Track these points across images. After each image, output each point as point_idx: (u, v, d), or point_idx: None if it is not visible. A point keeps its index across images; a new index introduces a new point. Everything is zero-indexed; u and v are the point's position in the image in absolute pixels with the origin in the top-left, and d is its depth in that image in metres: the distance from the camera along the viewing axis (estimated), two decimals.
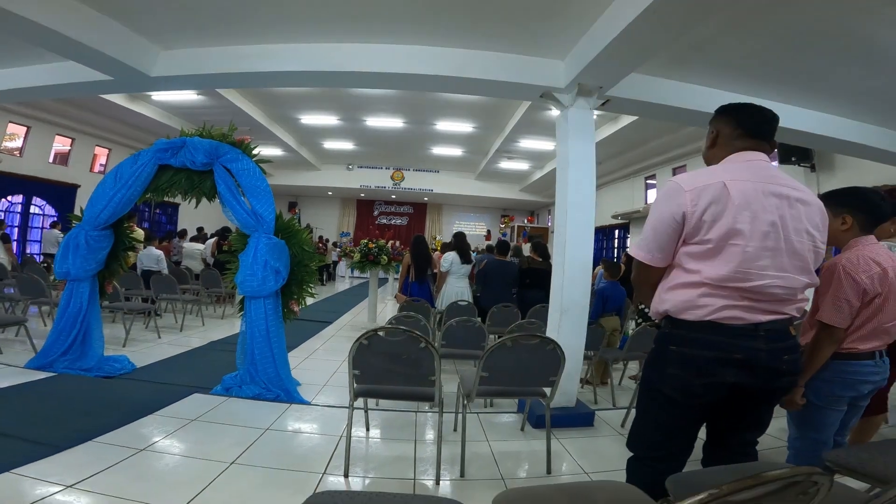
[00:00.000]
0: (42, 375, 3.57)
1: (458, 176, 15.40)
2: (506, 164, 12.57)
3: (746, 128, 1.50)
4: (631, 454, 1.57)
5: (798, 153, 6.39)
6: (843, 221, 1.85)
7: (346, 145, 12.50)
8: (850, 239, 1.85)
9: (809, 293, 1.56)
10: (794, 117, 4.26)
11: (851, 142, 4.63)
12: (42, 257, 8.69)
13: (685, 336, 1.41)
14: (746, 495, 0.79)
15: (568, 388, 3.27)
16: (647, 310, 4.32)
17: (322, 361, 4.79)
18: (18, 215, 9.81)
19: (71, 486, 2.01)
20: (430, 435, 2.97)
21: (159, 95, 8.57)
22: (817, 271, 1.49)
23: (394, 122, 10.12)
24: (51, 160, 10.04)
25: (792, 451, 1.88)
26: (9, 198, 9.50)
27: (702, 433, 1.54)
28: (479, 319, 3.89)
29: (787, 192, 1.39)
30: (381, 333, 2.35)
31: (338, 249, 15.29)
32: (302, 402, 3.44)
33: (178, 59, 4.06)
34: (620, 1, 2.83)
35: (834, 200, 1.88)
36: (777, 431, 2.80)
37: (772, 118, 1.52)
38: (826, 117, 4.45)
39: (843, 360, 1.77)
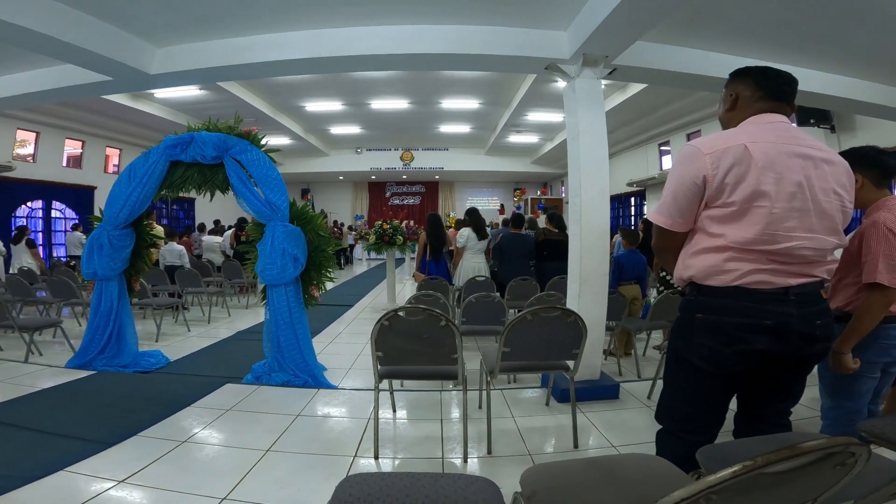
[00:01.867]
0: (82, 374, 3.73)
1: (467, 152, 15.25)
2: (515, 138, 12.39)
3: (767, 90, 1.45)
4: (660, 427, 1.57)
5: (816, 115, 6.23)
6: (855, 181, 1.81)
7: (354, 129, 12.43)
8: (866, 196, 1.83)
9: (838, 255, 1.52)
10: (808, 80, 4.13)
11: (870, 103, 4.48)
12: (68, 259, 8.93)
13: (712, 303, 1.39)
14: (782, 467, 0.79)
15: (591, 361, 3.27)
16: (668, 277, 4.27)
17: (346, 345, 4.88)
18: (41, 220, 10.06)
19: (123, 482, 2.11)
20: (456, 413, 3.02)
21: (162, 93, 8.56)
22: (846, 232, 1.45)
23: (399, 104, 10.02)
24: (64, 164, 10.21)
25: (827, 422, 1.86)
26: (29, 204, 9.73)
27: (733, 404, 1.53)
28: (497, 294, 3.89)
29: (811, 153, 1.35)
30: (401, 314, 2.36)
31: (353, 233, 15.38)
32: (329, 386, 3.52)
33: (175, 56, 4.05)
34: None
35: (846, 160, 1.84)
36: (809, 401, 2.75)
37: (791, 80, 1.48)
38: (842, 79, 4.31)
39: (879, 324, 1.73)
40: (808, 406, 2.76)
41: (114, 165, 11.41)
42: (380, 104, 10.03)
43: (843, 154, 1.84)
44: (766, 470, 0.78)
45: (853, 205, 1.44)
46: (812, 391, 2.01)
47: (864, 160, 1.83)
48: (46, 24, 3.24)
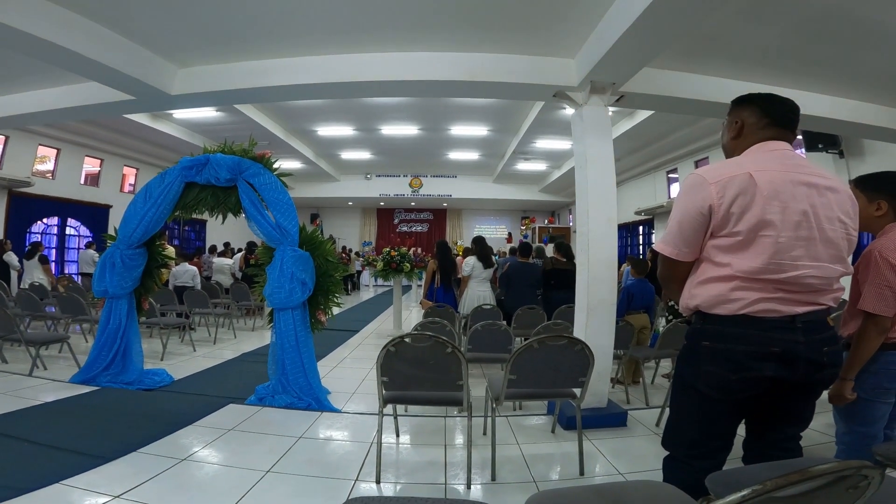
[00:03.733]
0: (86, 389, 3.73)
1: (475, 180, 15.41)
2: (523, 166, 12.52)
3: (773, 117, 1.47)
4: (667, 453, 1.54)
5: (825, 140, 6.21)
6: (878, 207, 1.81)
7: (364, 155, 12.64)
8: (880, 223, 1.81)
9: (845, 282, 1.52)
10: (814, 104, 4.15)
11: (877, 126, 4.48)
12: (80, 277, 9.04)
13: (718, 331, 1.38)
14: (792, 491, 0.77)
15: (598, 389, 3.22)
16: (677, 306, 4.24)
17: (350, 370, 4.84)
18: (55, 237, 10.24)
19: (118, 497, 2.09)
20: (460, 439, 2.97)
21: (180, 113, 8.79)
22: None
23: (408, 130, 10.18)
24: (82, 182, 10.43)
25: (841, 447, 1.82)
26: (45, 220, 9.92)
27: (741, 430, 1.51)
28: (504, 323, 3.88)
29: (815, 181, 1.36)
30: (407, 340, 2.36)
31: (361, 259, 15.44)
32: (332, 410, 3.48)
33: (195, 77, 4.19)
34: None
35: (870, 185, 1.84)
36: (824, 427, 2.71)
37: (795, 108, 1.50)
38: (848, 102, 4.33)
39: (889, 350, 1.71)
40: (823, 432, 2.71)
41: (129, 185, 11.67)
42: (390, 130, 10.19)
43: (873, 178, 1.84)
44: (777, 494, 0.77)
45: (857, 232, 1.44)
46: (826, 417, 1.97)
47: (893, 187, 1.81)
48: (73, 40, 3.36)
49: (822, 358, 1.35)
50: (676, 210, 1.45)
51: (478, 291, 5.43)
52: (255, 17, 3.43)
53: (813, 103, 4.13)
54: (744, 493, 0.77)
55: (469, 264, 5.51)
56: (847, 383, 1.70)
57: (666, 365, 4.65)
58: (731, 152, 1.56)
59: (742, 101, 1.54)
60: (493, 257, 5.93)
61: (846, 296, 1.80)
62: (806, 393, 1.43)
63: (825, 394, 1.66)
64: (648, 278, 4.66)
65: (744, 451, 1.57)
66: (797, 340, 1.32)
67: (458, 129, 10.09)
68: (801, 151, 6.36)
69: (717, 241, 1.38)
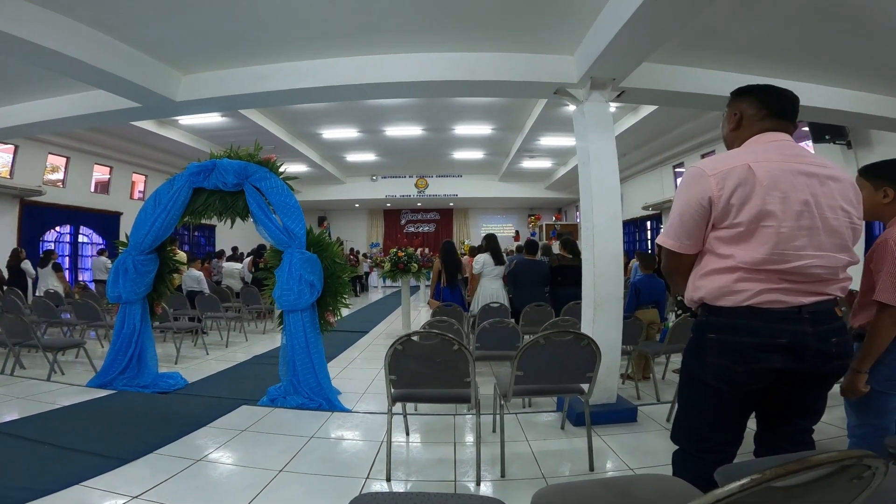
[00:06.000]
0: (103, 393, 3.81)
1: (481, 179, 15.40)
2: (528, 164, 12.49)
3: (771, 108, 1.47)
4: (676, 447, 1.54)
5: (831, 131, 6.15)
6: (885, 195, 1.79)
7: (369, 157, 12.68)
8: (893, 212, 1.79)
9: (852, 272, 1.51)
10: (818, 95, 4.11)
11: (882, 116, 4.43)
12: (94, 284, 9.17)
13: (724, 323, 1.38)
14: (793, 481, 0.77)
15: (607, 384, 3.22)
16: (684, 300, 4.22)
17: (360, 370, 4.88)
18: (68, 245, 10.40)
19: (137, 497, 2.14)
20: (469, 437, 2.98)
21: (186, 120, 8.83)
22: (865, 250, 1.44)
23: (412, 130, 10.19)
24: (92, 189, 10.57)
25: (854, 440, 1.81)
26: (57, 228, 10.05)
27: (752, 423, 1.50)
28: (512, 320, 3.88)
29: (816, 171, 1.36)
30: (415, 338, 2.39)
31: (368, 260, 15.50)
32: (343, 409, 3.52)
33: (199, 83, 4.24)
34: None
35: (874, 173, 1.83)
36: (837, 420, 2.69)
37: (794, 99, 1.50)
38: (852, 93, 4.28)
39: None
40: (836, 425, 2.69)
41: (139, 192, 11.81)
42: (394, 131, 10.20)
43: (876, 166, 1.84)
44: (776, 484, 0.77)
45: (862, 221, 1.43)
46: (840, 410, 1.96)
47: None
48: (80, 49, 3.41)
49: (830, 349, 1.35)
50: (677, 203, 1.45)
51: (490, 288, 5.43)
52: (256, 23, 3.46)
53: (816, 94, 4.09)
54: (743, 482, 0.77)
55: (480, 261, 5.52)
56: (861, 376, 1.68)
57: (676, 360, 4.62)
58: (730, 144, 1.57)
59: (741, 93, 1.55)
60: (504, 255, 5.93)
61: (854, 286, 1.80)
62: (816, 385, 1.42)
63: (837, 386, 1.66)
64: (656, 273, 4.64)
65: (755, 445, 1.57)
66: (805, 331, 1.32)
67: (462, 129, 10.08)
68: (808, 143, 6.29)
69: (718, 233, 1.38)
